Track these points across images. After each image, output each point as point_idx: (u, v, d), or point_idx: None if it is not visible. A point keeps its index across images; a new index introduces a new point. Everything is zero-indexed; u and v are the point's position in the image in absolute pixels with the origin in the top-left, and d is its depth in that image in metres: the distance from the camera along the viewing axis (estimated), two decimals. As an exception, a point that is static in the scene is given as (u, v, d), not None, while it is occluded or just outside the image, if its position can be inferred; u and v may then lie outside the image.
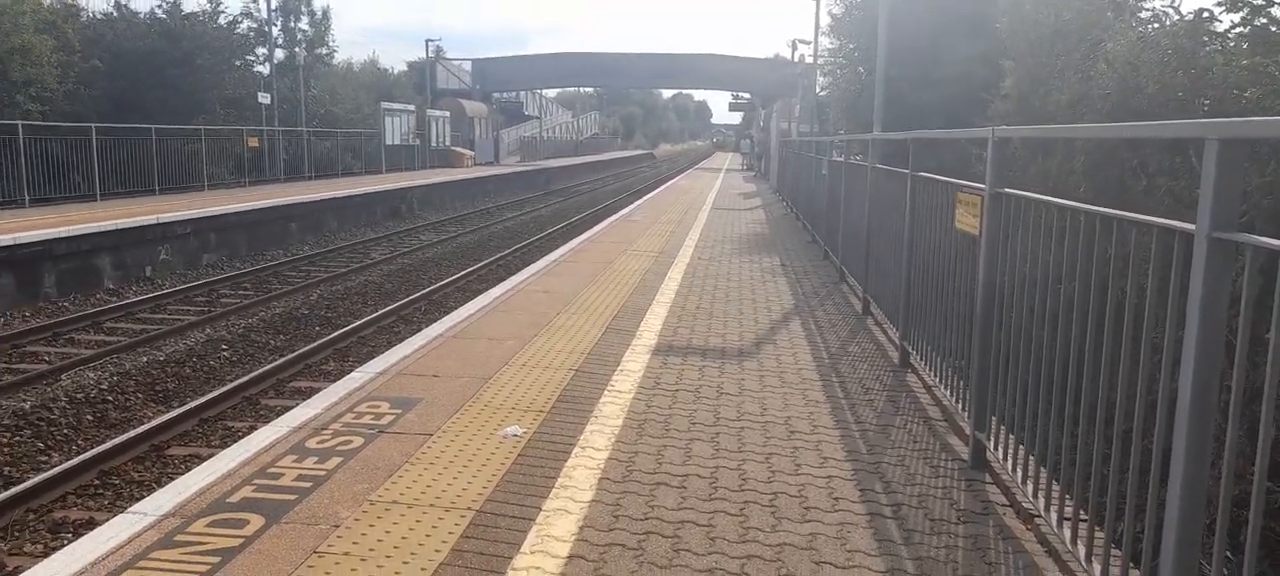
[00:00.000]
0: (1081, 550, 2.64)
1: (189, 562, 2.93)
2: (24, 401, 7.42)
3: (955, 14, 14.19)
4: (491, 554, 3.02)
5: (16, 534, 5.21)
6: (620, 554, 3.03)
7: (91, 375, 8.27)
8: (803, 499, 3.51)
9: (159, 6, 23.69)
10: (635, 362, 5.62)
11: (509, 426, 4.32)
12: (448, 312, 8.19)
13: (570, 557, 3.00)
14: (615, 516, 3.33)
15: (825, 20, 21.69)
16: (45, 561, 3.00)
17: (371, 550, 3.03)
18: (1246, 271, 1.86)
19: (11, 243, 11.17)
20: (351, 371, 5.55)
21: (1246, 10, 6.12)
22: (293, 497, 3.44)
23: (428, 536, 3.13)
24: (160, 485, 5.34)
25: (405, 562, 2.94)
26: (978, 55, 12.39)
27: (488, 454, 3.95)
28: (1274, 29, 6.00)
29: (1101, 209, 2.65)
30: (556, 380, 5.17)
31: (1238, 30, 6.37)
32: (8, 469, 6.13)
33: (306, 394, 6.68)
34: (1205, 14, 6.78)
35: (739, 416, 4.56)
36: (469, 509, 3.37)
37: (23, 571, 3.45)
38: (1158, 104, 6.71)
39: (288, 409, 5.11)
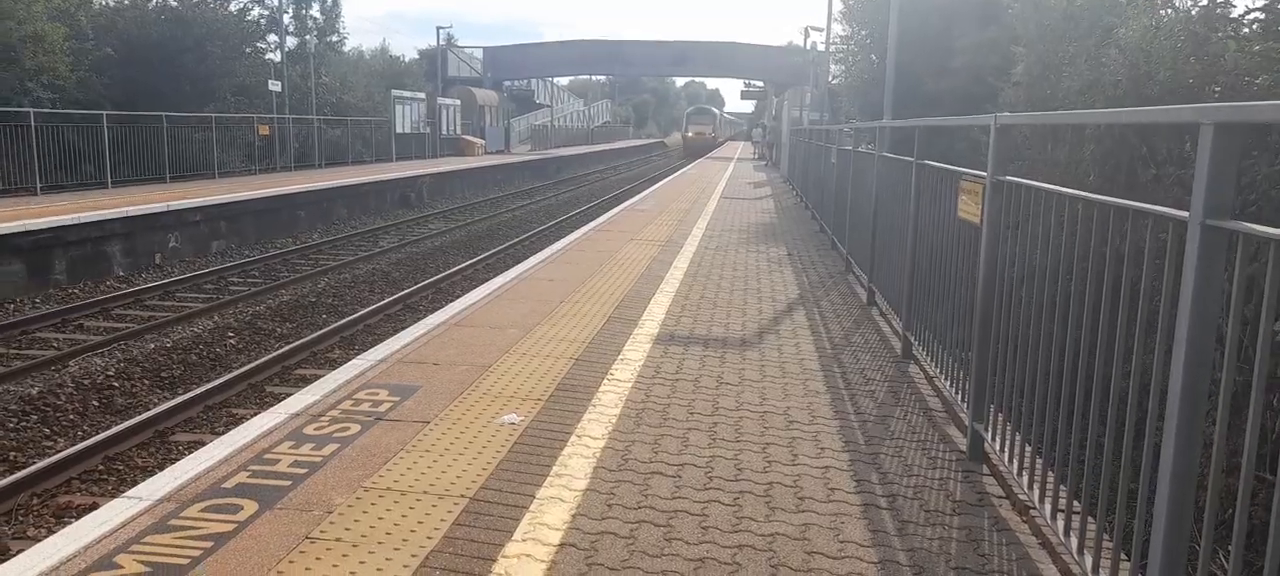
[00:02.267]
0: (1074, 542, 2.61)
1: (182, 546, 2.94)
2: (31, 387, 7.47)
3: (967, 0, 14.06)
4: (483, 541, 3.01)
5: (21, 518, 5.26)
6: (612, 542, 3.02)
7: (99, 361, 8.32)
8: (798, 489, 3.49)
9: (170, -7, 23.75)
10: (636, 352, 5.60)
11: (506, 414, 4.31)
12: (452, 300, 8.19)
13: (562, 545, 2.99)
14: (609, 505, 3.31)
15: (838, 6, 21.59)
16: (39, 544, 3.02)
17: (363, 536, 3.03)
18: (1238, 259, 1.82)
19: (22, 229, 11.25)
20: (354, 359, 5.56)
21: (1268, -4, 6.02)
22: (287, 483, 3.44)
23: (420, 523, 3.13)
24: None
25: (396, 549, 2.94)
26: (989, 42, 12.28)
27: (484, 442, 3.94)
28: (1290, 15, 5.91)
29: (1099, 196, 2.61)
30: (556, 369, 5.16)
31: (1254, 16, 6.27)
32: (14, 453, 6.18)
33: (310, 381, 6.69)
34: (1220, 0, 6.68)
35: (738, 406, 4.54)
36: (463, 496, 3.36)
37: (19, 554, 3.47)
38: (1169, 91, 6.62)
39: (291, 396, 5.12)
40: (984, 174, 3.77)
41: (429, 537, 3.02)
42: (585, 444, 3.95)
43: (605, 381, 4.92)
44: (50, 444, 6.42)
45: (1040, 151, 8.57)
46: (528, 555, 2.92)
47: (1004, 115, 3.75)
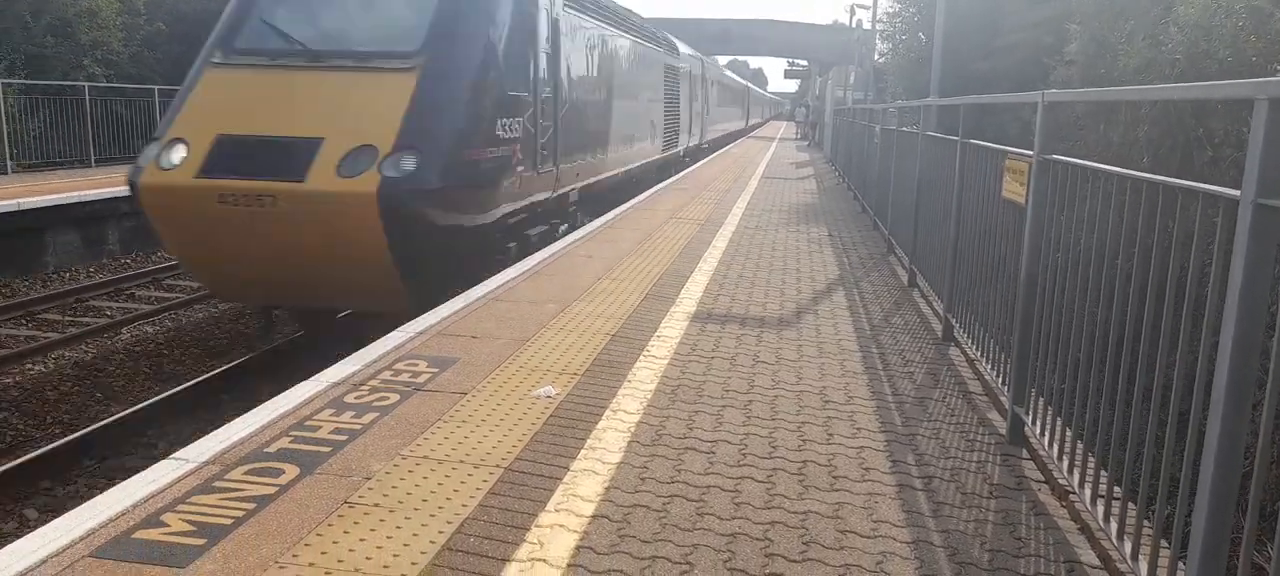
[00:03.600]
0: (1113, 527, 2.56)
1: (225, 507, 3.02)
2: (86, 353, 7.71)
3: (1019, -22, 13.72)
4: (517, 510, 3.05)
5: (75, 478, 5.43)
6: (644, 515, 3.04)
7: (150, 329, 8.55)
8: (832, 468, 3.47)
9: (220, -30, 24.07)
10: (673, 329, 5.60)
11: (543, 387, 4.34)
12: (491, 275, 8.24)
13: (594, 516, 3.01)
14: (642, 479, 3.33)
15: (884, -15, 21.19)
16: (91, 502, 3.12)
17: (400, 502, 3.08)
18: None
19: (78, 200, 11.56)
20: (393, 331, 5.63)
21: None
22: (328, 450, 3.51)
23: (456, 490, 3.17)
24: (210, 435, 5.51)
25: (432, 515, 2.99)
26: (1043, 20, 11.99)
27: (520, 413, 3.98)
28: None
29: (1147, 175, 2.54)
30: (593, 344, 5.18)
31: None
32: (68, 417, 6.38)
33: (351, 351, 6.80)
34: (1284, -24, 6.45)
35: (774, 385, 4.52)
36: (498, 466, 3.40)
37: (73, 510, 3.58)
38: (1230, 71, 6.42)
39: (332, 366, 5.20)
40: (1030, 153, 3.69)
41: (464, 505, 3.07)
42: (620, 418, 3.96)
43: (641, 357, 4.93)
44: (103, 408, 6.62)
45: (1093, 132, 8.37)
46: (561, 525, 2.95)
47: (1051, 92, 3.66)
